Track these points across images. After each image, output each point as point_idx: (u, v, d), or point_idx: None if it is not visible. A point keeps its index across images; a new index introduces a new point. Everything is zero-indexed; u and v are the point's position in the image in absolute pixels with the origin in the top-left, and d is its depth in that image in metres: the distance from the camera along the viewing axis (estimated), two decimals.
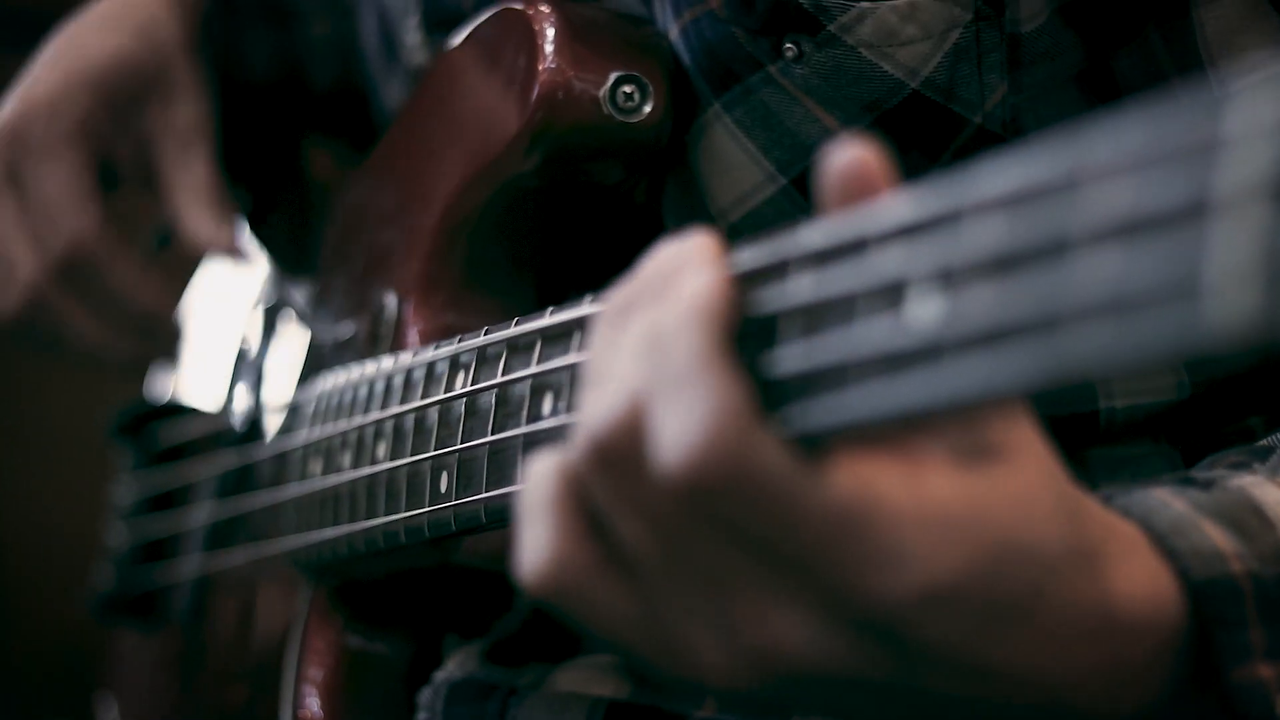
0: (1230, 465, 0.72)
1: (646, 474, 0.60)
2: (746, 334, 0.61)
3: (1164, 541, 0.64)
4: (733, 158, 0.89)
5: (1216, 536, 0.65)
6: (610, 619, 0.63)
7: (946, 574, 0.57)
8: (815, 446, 0.58)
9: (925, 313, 0.53)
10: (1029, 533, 0.59)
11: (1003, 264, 0.51)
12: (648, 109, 0.89)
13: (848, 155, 0.59)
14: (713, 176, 0.91)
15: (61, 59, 1.16)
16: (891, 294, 0.55)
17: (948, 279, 0.53)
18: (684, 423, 0.58)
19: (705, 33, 0.88)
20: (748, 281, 0.61)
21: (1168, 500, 0.66)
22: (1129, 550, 0.63)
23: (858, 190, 0.58)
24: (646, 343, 0.60)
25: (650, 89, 0.88)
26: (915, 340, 0.54)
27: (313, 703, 0.98)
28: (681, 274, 0.61)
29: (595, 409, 0.62)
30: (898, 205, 0.56)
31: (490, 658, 0.98)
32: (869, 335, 0.55)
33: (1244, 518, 0.66)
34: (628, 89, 0.88)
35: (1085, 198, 0.48)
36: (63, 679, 1.89)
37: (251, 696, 1.08)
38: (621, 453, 0.61)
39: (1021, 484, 0.59)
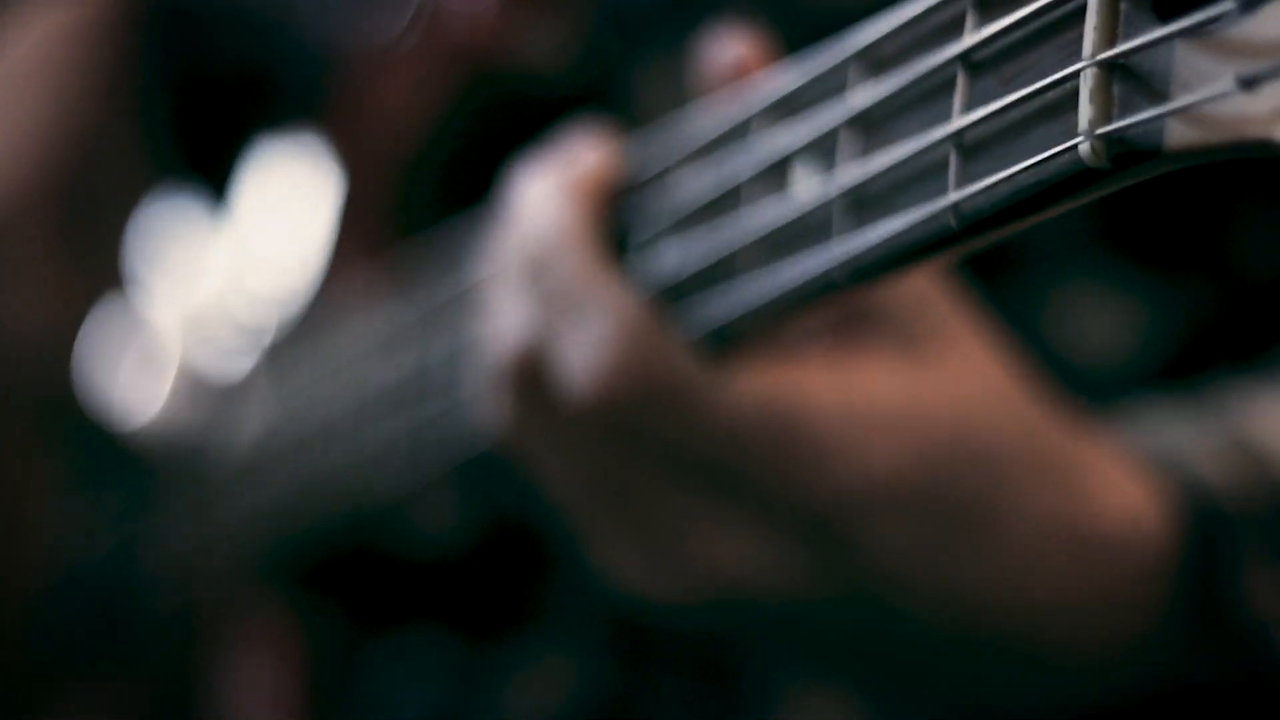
0: (1215, 390, 0.69)
1: (557, 401, 0.58)
2: (629, 239, 0.58)
3: (1150, 457, 0.61)
4: (663, 102, 0.88)
5: (1204, 454, 0.62)
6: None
7: (881, 470, 0.55)
8: (724, 345, 0.55)
9: (812, 185, 0.50)
10: (970, 434, 0.56)
11: (889, 121, 0.48)
12: (575, 55, 0.86)
13: (724, 42, 0.58)
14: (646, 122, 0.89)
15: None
16: (776, 171, 0.52)
17: (835, 147, 0.50)
18: (585, 343, 0.56)
19: None
20: (629, 185, 0.60)
21: (1150, 419, 0.64)
22: (1106, 465, 0.60)
23: (736, 72, 0.57)
24: (530, 271, 0.58)
25: (578, 36, 0.86)
26: (803, 214, 0.51)
27: (254, 684, 0.98)
28: (552, 193, 0.59)
29: (495, 346, 0.61)
30: (777, 81, 0.53)
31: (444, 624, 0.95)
32: (757, 217, 0.52)
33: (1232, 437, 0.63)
34: (555, 36, 0.87)
35: (970, 34, 0.45)
36: None
37: (193, 689, 1.06)
38: (530, 383, 0.59)
39: (958, 384, 0.57)
